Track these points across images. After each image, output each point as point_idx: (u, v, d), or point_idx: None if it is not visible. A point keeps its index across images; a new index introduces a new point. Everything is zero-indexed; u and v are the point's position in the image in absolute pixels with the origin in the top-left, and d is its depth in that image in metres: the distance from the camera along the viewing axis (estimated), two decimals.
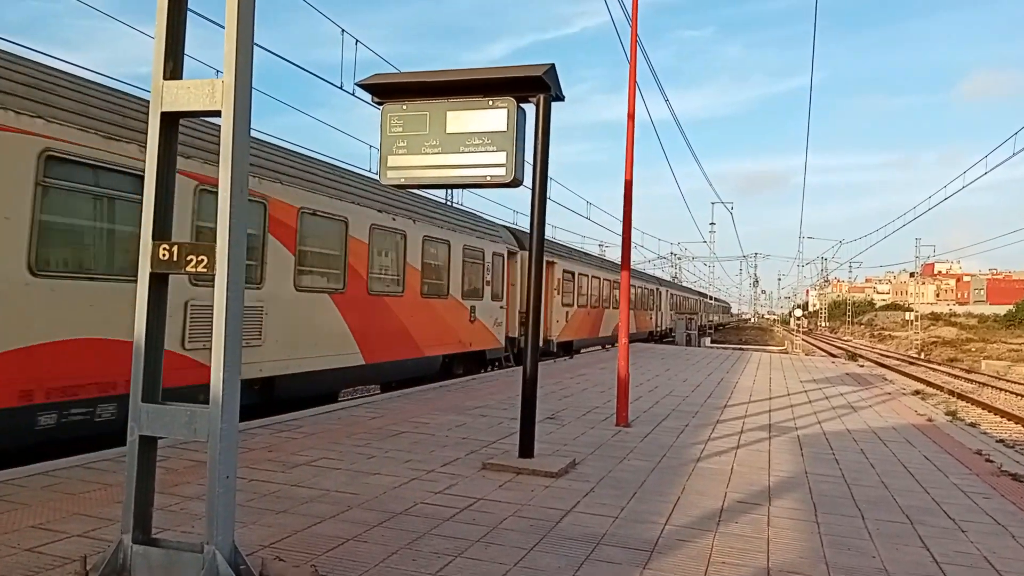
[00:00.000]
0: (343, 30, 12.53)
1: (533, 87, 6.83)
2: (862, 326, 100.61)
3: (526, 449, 6.76)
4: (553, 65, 6.92)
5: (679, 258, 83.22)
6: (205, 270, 3.50)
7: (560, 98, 7.19)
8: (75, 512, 4.73)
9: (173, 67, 3.76)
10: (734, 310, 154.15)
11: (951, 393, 25.04)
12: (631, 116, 10.09)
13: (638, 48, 10.32)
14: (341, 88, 12.62)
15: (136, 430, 3.51)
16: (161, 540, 3.61)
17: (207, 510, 3.41)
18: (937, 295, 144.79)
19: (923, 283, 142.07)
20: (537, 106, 6.90)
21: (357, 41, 12.99)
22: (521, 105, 6.83)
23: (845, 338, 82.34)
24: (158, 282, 3.65)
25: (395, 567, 4.05)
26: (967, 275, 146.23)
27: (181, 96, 3.69)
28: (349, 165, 12.87)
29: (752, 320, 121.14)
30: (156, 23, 3.74)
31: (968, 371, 36.15)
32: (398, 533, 4.62)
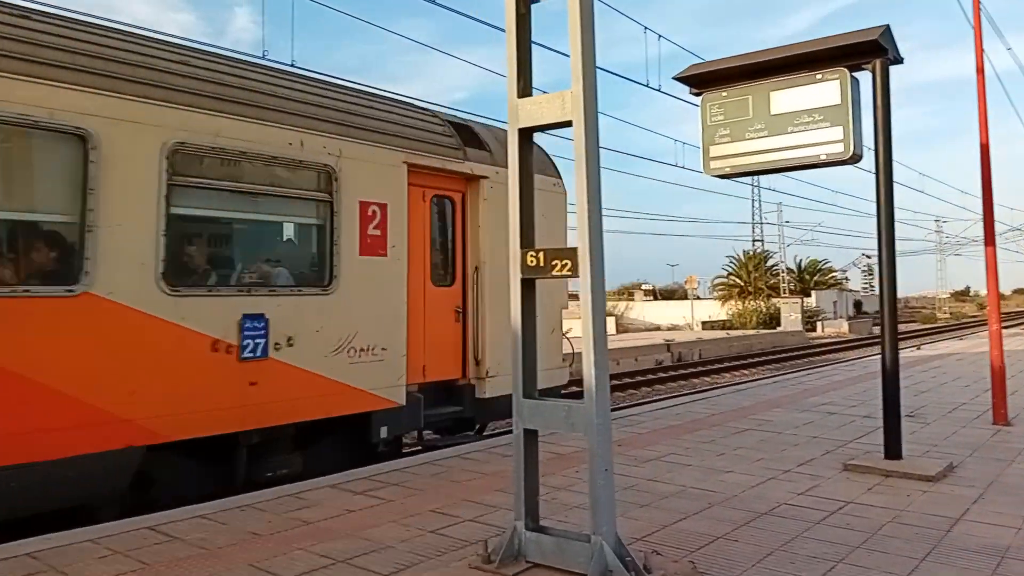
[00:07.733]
0: (645, 28, 12.60)
1: (866, 53, 6.23)
2: None
3: (893, 450, 6.10)
4: (888, 26, 6.27)
5: None
6: (570, 273, 3.69)
7: (899, 60, 6.48)
8: (463, 499, 5.25)
9: (524, 85, 4.03)
10: None
11: None
12: (980, 70, 8.76)
13: None
14: (647, 86, 12.67)
15: (520, 423, 3.79)
16: (550, 528, 3.85)
17: (591, 502, 3.56)
18: None
19: None
20: (873, 73, 6.27)
21: (660, 36, 12.95)
22: (853, 74, 6.28)
23: None
24: (527, 287, 3.92)
25: (773, 569, 3.87)
26: None
27: (534, 112, 3.93)
28: (656, 162, 12.89)
29: None
30: (507, 47, 4.04)
31: None
32: (768, 534, 4.43)
